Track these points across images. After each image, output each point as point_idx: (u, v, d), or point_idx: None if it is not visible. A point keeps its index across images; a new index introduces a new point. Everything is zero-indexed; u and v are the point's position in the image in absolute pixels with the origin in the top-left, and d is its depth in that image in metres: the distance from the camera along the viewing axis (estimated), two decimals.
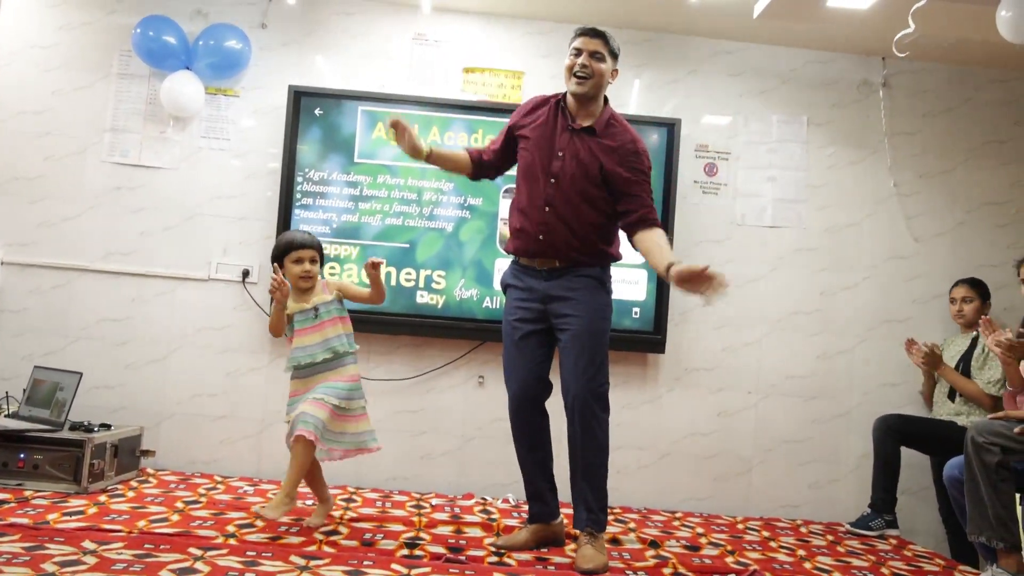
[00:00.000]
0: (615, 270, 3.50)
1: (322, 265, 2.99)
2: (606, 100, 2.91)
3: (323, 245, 3.06)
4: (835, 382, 4.17)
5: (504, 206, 3.91)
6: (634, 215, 2.78)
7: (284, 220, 3.88)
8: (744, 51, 4.24)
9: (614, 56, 2.83)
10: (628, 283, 3.99)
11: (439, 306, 3.94)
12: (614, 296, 3.47)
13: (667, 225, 3.90)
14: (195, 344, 4.00)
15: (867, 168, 4.23)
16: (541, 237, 2.82)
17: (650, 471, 4.07)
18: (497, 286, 3.88)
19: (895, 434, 3.64)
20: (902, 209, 4.21)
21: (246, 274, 4.01)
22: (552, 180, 2.82)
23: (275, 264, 2.95)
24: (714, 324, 4.14)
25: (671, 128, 4.04)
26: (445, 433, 4.05)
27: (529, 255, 2.88)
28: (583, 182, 2.80)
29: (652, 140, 4.03)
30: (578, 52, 2.79)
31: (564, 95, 2.90)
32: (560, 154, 2.81)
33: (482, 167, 3.03)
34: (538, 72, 4.14)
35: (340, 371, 2.91)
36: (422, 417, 4.04)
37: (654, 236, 2.74)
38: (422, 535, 2.98)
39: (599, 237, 2.85)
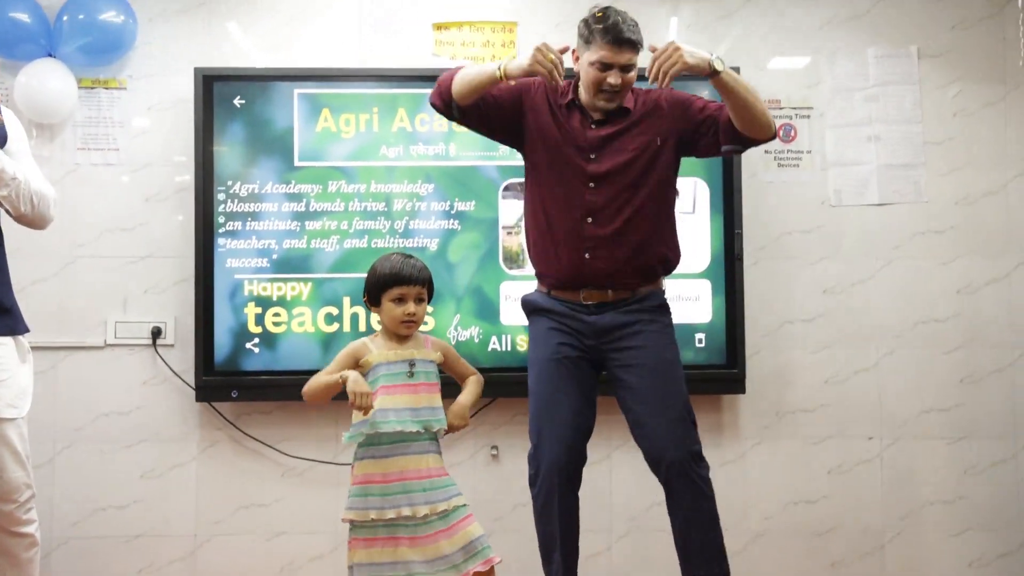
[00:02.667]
0: (668, 285, 3.52)
1: (429, 302, 3.03)
2: None
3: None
4: (991, 414, 3.98)
5: (505, 207, 3.82)
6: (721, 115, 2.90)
7: (205, 255, 3.78)
8: None
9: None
10: (686, 300, 3.83)
11: None
12: None
13: (731, 214, 3.86)
14: (92, 438, 3.85)
15: (1009, 109, 4.03)
16: (587, 256, 2.89)
17: (741, 560, 3.82)
18: (506, 319, 3.82)
19: None
20: None
21: (157, 334, 3.84)
22: (591, 184, 2.90)
23: (371, 305, 2.96)
24: (812, 347, 3.99)
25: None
26: None
27: (569, 287, 2.95)
28: (637, 176, 2.90)
29: None
30: (605, 66, 2.82)
31: (575, 88, 2.98)
32: (592, 156, 2.91)
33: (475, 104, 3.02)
34: (536, 21, 3.98)
35: (433, 459, 2.89)
36: None
37: None
38: None
39: (659, 240, 2.96)
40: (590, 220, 2.90)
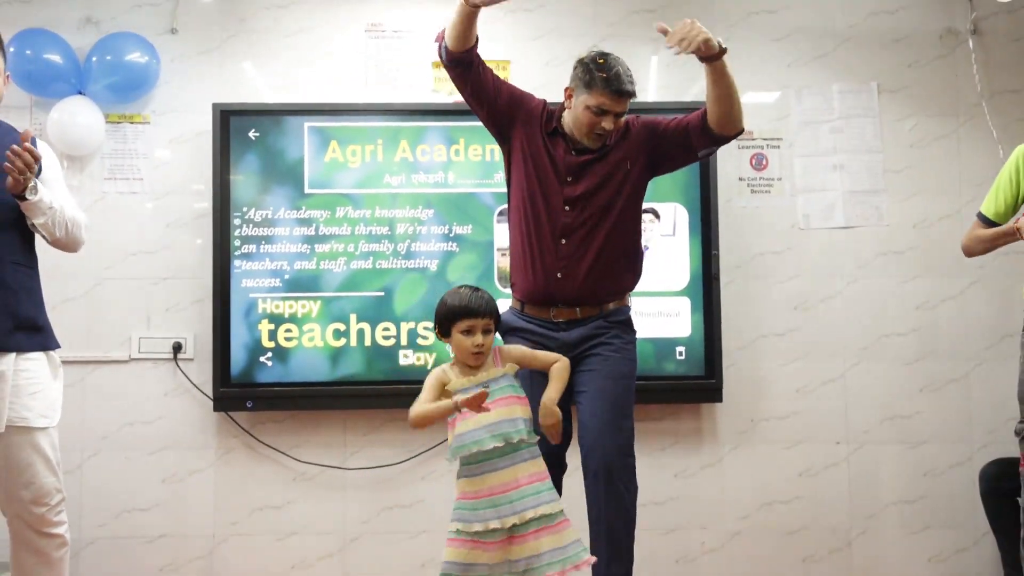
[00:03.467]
0: (648, 302, 3.76)
1: (497, 329, 2.89)
2: None
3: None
4: (949, 421, 4.06)
5: (499, 231, 3.87)
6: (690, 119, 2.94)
7: (221, 275, 3.85)
8: (788, 7, 4.18)
9: None
10: (667, 316, 3.93)
11: (429, 367, 3.80)
12: (650, 335, 3.87)
13: (709, 236, 3.92)
14: (117, 445, 3.90)
15: (961, 141, 4.13)
16: (559, 275, 2.90)
17: (719, 556, 3.99)
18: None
19: (1008, 488, 3.48)
20: None
21: (178, 348, 3.91)
22: (566, 207, 2.92)
23: (441, 336, 2.86)
24: (784, 359, 4.06)
25: (702, 115, 3.88)
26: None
27: (540, 303, 2.96)
28: (608, 200, 2.92)
29: None
30: (601, 111, 2.84)
31: (560, 115, 2.99)
32: (570, 179, 2.93)
33: (472, 59, 2.96)
34: (527, 59, 4.06)
35: (523, 468, 2.76)
36: (417, 513, 3.95)
37: None
38: None
39: (627, 260, 3.00)
40: (563, 241, 2.91)
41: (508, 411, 2.78)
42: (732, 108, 2.80)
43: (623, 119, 2.90)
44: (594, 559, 2.77)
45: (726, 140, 2.90)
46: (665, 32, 2.67)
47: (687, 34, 2.62)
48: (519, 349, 2.89)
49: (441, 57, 2.95)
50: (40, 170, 2.82)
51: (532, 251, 2.94)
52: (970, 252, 3.32)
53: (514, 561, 2.70)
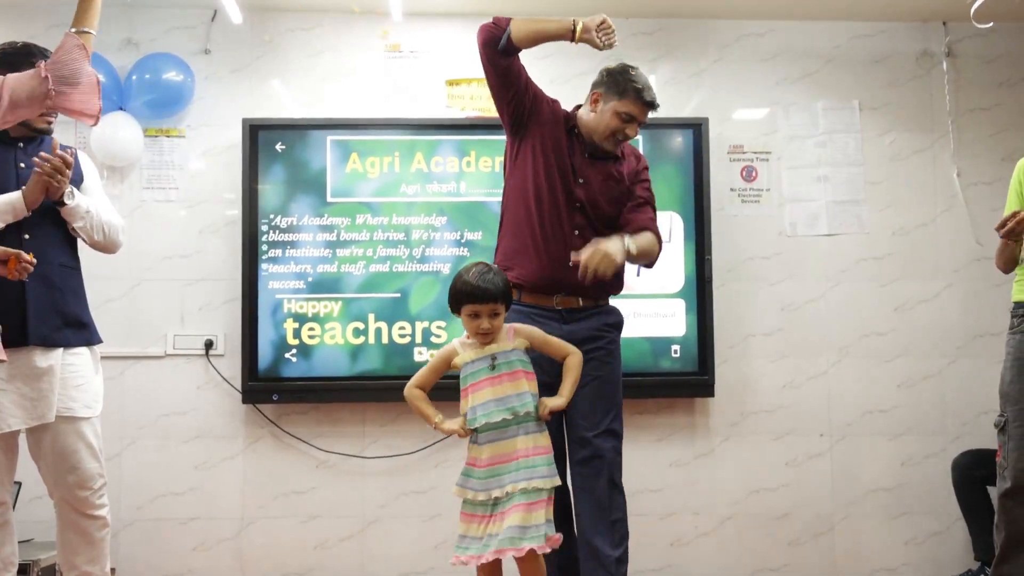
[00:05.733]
0: (646, 303, 3.81)
1: (508, 309, 2.75)
2: None
3: (508, 293, 2.76)
4: (925, 414, 4.09)
5: None
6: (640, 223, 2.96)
7: (249, 277, 3.87)
8: (776, 31, 4.21)
9: None
10: (663, 316, 3.95)
11: None
12: (647, 334, 3.92)
13: (702, 243, 3.95)
14: (154, 434, 3.94)
15: (936, 155, 4.16)
16: (571, 264, 2.78)
17: (711, 540, 4.01)
18: None
19: (978, 477, 3.62)
20: (985, 201, 4.09)
21: (209, 345, 3.96)
22: (577, 205, 2.90)
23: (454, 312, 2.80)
24: (771, 356, 4.08)
25: (697, 129, 4.01)
26: None
27: (543, 292, 2.90)
28: (609, 208, 2.93)
29: (676, 144, 4.01)
30: (629, 118, 2.87)
31: (575, 117, 2.99)
32: (581, 180, 2.91)
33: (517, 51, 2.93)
34: (537, 77, 3.83)
35: (524, 440, 2.68)
36: (433, 498, 3.95)
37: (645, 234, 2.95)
38: None
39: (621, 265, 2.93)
40: (576, 233, 2.87)
41: (515, 385, 2.69)
42: (651, 263, 3.00)
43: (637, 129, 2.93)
44: (544, 547, 2.58)
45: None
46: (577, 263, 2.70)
47: (597, 263, 2.67)
48: (535, 331, 2.77)
49: (489, 41, 2.83)
50: (82, 178, 2.93)
51: (540, 238, 2.87)
52: (1002, 268, 3.20)
53: (491, 535, 2.62)
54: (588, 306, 2.90)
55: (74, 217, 2.84)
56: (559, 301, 2.88)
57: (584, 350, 2.78)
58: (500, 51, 2.84)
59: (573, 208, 2.89)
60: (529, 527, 2.58)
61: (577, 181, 2.91)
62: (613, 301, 3.03)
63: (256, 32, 4.06)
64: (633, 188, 2.97)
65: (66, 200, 2.80)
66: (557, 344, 2.76)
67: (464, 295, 2.68)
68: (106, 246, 3.00)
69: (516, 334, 2.76)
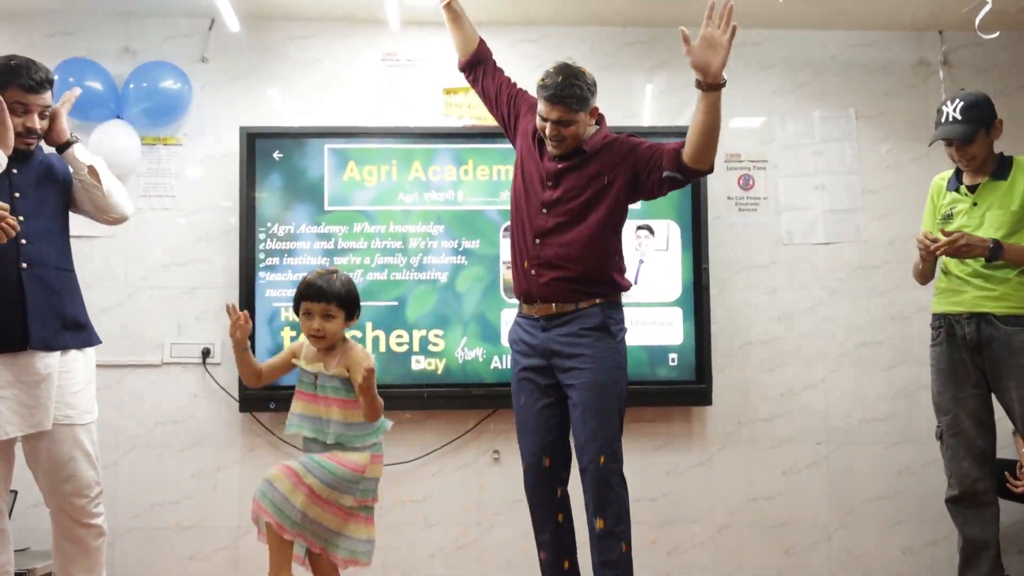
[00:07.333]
0: (643, 312, 3.79)
1: (350, 319, 2.75)
2: (600, 120, 2.99)
3: (350, 300, 2.76)
4: (922, 423, 4.03)
5: (505, 245, 3.90)
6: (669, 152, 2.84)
7: (247, 286, 3.85)
8: (773, 40, 4.20)
9: (584, 104, 2.84)
10: (660, 325, 3.94)
11: (439, 372, 3.88)
12: (645, 342, 3.89)
13: (700, 251, 3.95)
14: (150, 443, 3.92)
15: (932, 163, 4.07)
16: (533, 272, 2.90)
17: (707, 549, 3.99)
18: (506, 341, 3.82)
19: None
20: None
21: (206, 354, 3.94)
22: (544, 210, 2.91)
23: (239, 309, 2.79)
24: (768, 365, 4.06)
25: (679, 144, 3.94)
26: (458, 523, 3.95)
27: (525, 301, 2.98)
28: (580, 207, 2.89)
29: None
30: (543, 119, 2.86)
31: None
32: (549, 184, 2.92)
33: (480, 61, 3.17)
34: (531, 87, 3.88)
35: (336, 455, 2.69)
36: (430, 506, 3.96)
37: None
38: None
39: (600, 267, 2.92)
40: (538, 241, 2.89)
41: (327, 411, 2.70)
42: (711, 143, 2.71)
43: (572, 128, 2.82)
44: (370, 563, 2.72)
45: (692, 174, 2.78)
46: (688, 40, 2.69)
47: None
48: (357, 359, 2.68)
49: (458, 66, 3.17)
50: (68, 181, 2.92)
51: (516, 250, 2.97)
52: (919, 282, 3.45)
53: (311, 520, 2.64)
54: (565, 312, 2.87)
55: (84, 158, 2.86)
56: (537, 309, 2.91)
57: (565, 368, 2.85)
58: (460, 70, 3.17)
59: (541, 213, 2.91)
60: (343, 536, 2.71)
61: (546, 184, 2.92)
62: None
63: (254, 41, 4.07)
64: (637, 157, 2.85)
65: (70, 139, 2.84)
66: (367, 398, 2.62)
67: (299, 292, 2.74)
68: (114, 206, 2.96)
69: (342, 359, 2.72)
